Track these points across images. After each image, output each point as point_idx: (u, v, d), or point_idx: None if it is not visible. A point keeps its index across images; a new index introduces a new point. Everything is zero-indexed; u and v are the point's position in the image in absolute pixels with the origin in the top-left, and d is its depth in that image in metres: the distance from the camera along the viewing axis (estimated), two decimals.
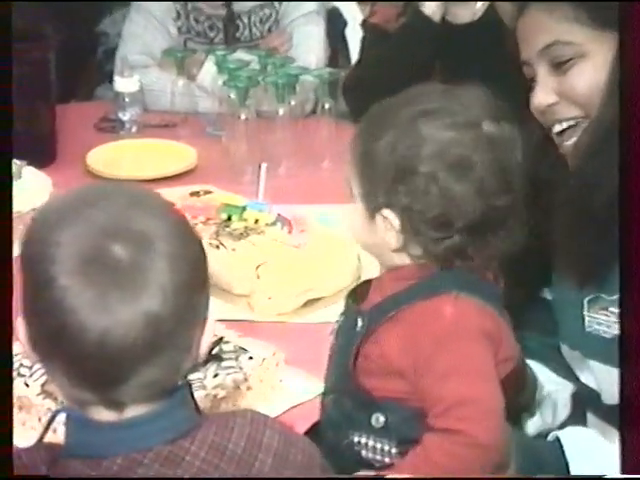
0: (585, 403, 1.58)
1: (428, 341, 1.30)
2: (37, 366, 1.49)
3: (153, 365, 1.04)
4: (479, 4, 2.57)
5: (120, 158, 2.33)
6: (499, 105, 1.39)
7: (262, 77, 2.27)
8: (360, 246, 1.44)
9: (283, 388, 1.55)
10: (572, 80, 1.46)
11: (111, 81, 2.87)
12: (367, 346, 1.34)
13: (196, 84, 2.56)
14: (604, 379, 1.48)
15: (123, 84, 2.47)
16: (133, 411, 1.07)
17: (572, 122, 1.48)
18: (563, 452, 1.40)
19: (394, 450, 1.33)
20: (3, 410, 1.09)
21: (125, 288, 1.03)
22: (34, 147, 2.24)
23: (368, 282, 1.42)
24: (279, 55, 2.47)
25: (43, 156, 2.25)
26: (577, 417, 1.61)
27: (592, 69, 1.45)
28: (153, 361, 1.04)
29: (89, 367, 1.04)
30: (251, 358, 1.52)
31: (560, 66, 1.47)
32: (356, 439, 1.34)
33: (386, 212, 1.33)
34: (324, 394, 1.41)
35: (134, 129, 2.48)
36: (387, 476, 1.28)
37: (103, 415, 1.08)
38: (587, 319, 1.48)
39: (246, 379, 1.49)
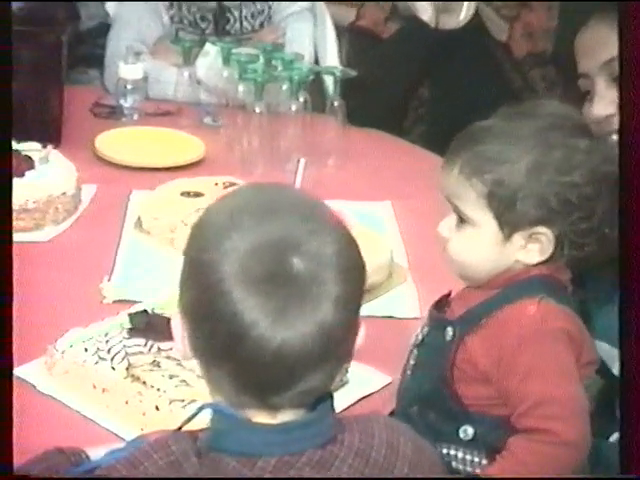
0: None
1: (511, 341, 1.35)
2: (116, 349, 1.53)
3: (319, 372, 1.08)
4: (463, 12, 2.67)
5: (129, 144, 2.34)
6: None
7: (276, 72, 2.31)
8: (469, 270, 1.41)
9: (350, 380, 1.59)
10: None
11: (87, 66, 2.88)
12: (457, 354, 1.38)
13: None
14: None
15: (127, 71, 2.47)
16: (285, 414, 1.10)
17: None
18: None
19: (484, 461, 1.37)
20: (3, 409, 1.09)
21: (302, 301, 1.05)
22: (43, 130, 2.24)
23: (447, 295, 1.47)
24: (287, 52, 2.51)
25: (51, 139, 2.24)
26: (605, 412, 1.69)
27: None
28: (320, 369, 1.08)
29: (261, 375, 1.07)
30: None
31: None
32: (445, 451, 1.38)
33: (539, 229, 1.37)
34: (405, 405, 1.44)
35: (135, 116, 2.49)
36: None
37: (255, 416, 1.10)
38: None
39: None
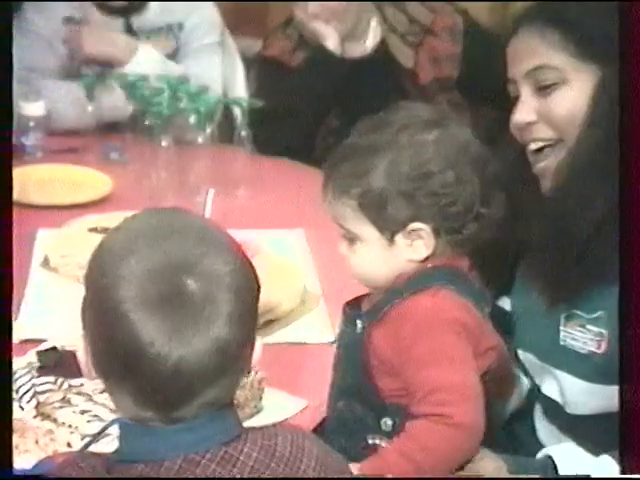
0: (545, 412, 1.67)
1: (407, 332, 1.41)
2: (25, 388, 1.49)
3: (217, 386, 1.12)
4: (369, 40, 2.68)
5: (34, 183, 2.30)
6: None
7: (183, 104, 2.30)
8: (371, 280, 1.47)
9: (265, 406, 1.58)
10: (553, 103, 1.56)
11: None
12: (366, 346, 1.43)
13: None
14: (572, 391, 1.58)
15: (28, 108, 2.44)
16: None
17: (547, 143, 1.58)
18: (556, 470, 1.47)
19: None
20: (3, 422, 1.13)
21: (197, 319, 1.10)
22: None
23: (363, 295, 1.51)
24: (192, 83, 2.49)
25: None
26: (527, 411, 1.69)
27: (572, 96, 1.55)
28: (218, 383, 1.12)
29: (160, 391, 1.10)
30: None
31: (543, 89, 1.56)
32: (370, 441, 1.42)
33: (414, 225, 1.42)
34: (334, 400, 1.48)
35: (39, 154, 2.45)
36: (388, 476, 1.36)
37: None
38: (562, 333, 1.58)
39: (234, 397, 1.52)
